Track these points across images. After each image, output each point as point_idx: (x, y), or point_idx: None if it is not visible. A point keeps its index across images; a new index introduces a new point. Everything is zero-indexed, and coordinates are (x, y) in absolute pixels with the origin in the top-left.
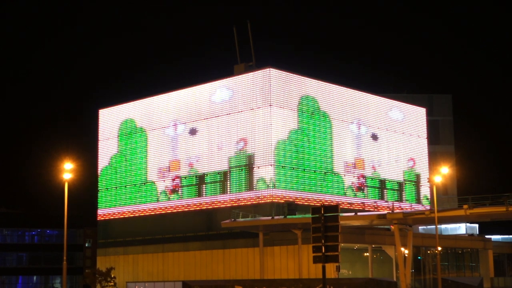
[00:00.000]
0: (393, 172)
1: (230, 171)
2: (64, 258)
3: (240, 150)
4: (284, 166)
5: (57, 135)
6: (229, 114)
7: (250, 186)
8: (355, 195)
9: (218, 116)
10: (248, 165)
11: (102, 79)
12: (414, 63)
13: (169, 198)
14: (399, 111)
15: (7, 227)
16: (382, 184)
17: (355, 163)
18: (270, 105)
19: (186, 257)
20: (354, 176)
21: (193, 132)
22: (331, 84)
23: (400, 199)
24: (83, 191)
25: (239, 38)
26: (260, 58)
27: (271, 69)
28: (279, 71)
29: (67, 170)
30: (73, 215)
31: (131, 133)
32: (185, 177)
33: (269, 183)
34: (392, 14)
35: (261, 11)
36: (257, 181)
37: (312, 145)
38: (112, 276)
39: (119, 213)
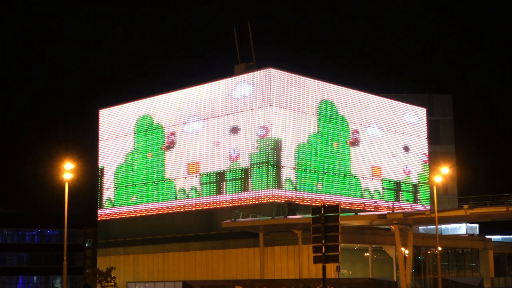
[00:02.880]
0: (394, 173)
1: (231, 171)
2: (65, 258)
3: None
4: (284, 166)
5: (57, 135)
6: (229, 114)
7: (250, 186)
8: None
9: (218, 116)
10: (248, 165)
11: (102, 79)
12: (414, 63)
13: (175, 196)
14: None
15: (8, 227)
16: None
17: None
18: (270, 105)
19: (187, 257)
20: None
21: (193, 132)
22: (331, 84)
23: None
24: (83, 191)
25: (239, 38)
26: (260, 58)
27: (271, 69)
28: (279, 71)
29: (68, 170)
30: (74, 215)
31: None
32: (185, 178)
33: (269, 183)
34: (393, 14)
35: (261, 11)
36: (257, 181)
37: (312, 145)
38: (113, 276)
39: (119, 213)
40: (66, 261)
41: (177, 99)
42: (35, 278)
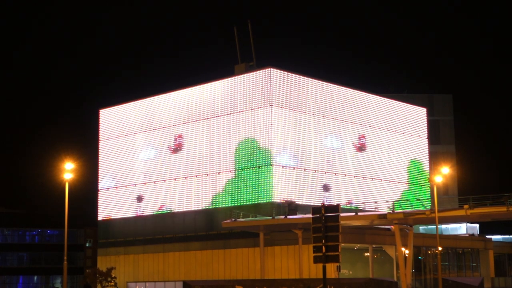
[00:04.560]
0: (394, 173)
1: (231, 170)
2: (65, 258)
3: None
4: (285, 166)
5: (57, 135)
6: (230, 114)
7: (250, 186)
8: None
9: (218, 116)
10: (249, 165)
11: (102, 79)
12: (414, 63)
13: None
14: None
15: (8, 227)
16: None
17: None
18: (270, 105)
19: (187, 257)
20: (355, 177)
21: (193, 132)
22: (332, 84)
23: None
24: (83, 191)
25: (239, 38)
26: (261, 58)
27: (271, 69)
28: (279, 71)
29: (68, 170)
30: (74, 215)
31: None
32: (185, 177)
33: (270, 183)
34: (393, 14)
35: (261, 11)
36: (257, 181)
37: (313, 145)
38: (113, 276)
39: (120, 212)
40: (66, 261)
41: (177, 99)
42: (35, 278)
